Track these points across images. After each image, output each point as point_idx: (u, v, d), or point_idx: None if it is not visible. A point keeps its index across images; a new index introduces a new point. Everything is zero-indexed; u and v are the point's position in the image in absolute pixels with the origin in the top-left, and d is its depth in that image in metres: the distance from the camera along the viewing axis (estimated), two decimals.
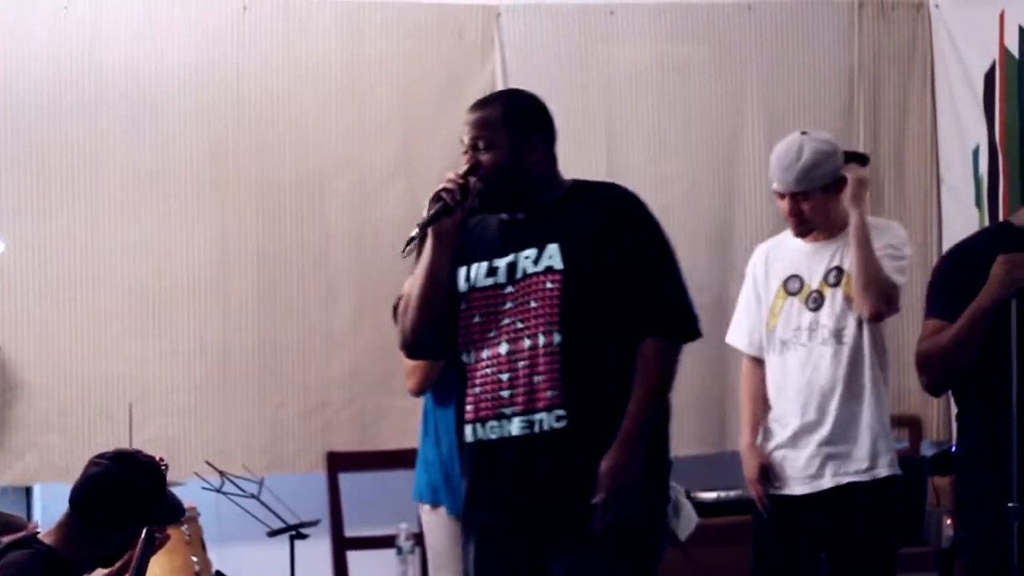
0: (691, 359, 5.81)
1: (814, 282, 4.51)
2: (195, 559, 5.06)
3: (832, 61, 6.21)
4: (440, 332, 3.58)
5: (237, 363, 5.80)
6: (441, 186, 3.54)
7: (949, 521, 5.22)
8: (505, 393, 3.47)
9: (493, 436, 3.49)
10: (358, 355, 5.88)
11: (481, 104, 3.65)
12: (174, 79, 5.76)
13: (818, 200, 4.46)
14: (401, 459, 5.89)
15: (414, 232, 3.51)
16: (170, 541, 4.00)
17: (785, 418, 4.51)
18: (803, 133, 4.52)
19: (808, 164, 4.43)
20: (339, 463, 5.91)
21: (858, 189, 4.44)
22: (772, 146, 6.12)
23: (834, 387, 4.44)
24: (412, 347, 3.67)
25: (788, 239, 4.60)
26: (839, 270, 4.48)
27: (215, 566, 5.25)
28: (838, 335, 4.45)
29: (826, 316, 4.46)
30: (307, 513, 5.31)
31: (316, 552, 5.59)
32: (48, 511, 5.48)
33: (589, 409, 3.46)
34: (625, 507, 3.41)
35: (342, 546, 5.94)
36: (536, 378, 3.45)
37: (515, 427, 3.46)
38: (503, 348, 3.49)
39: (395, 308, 3.75)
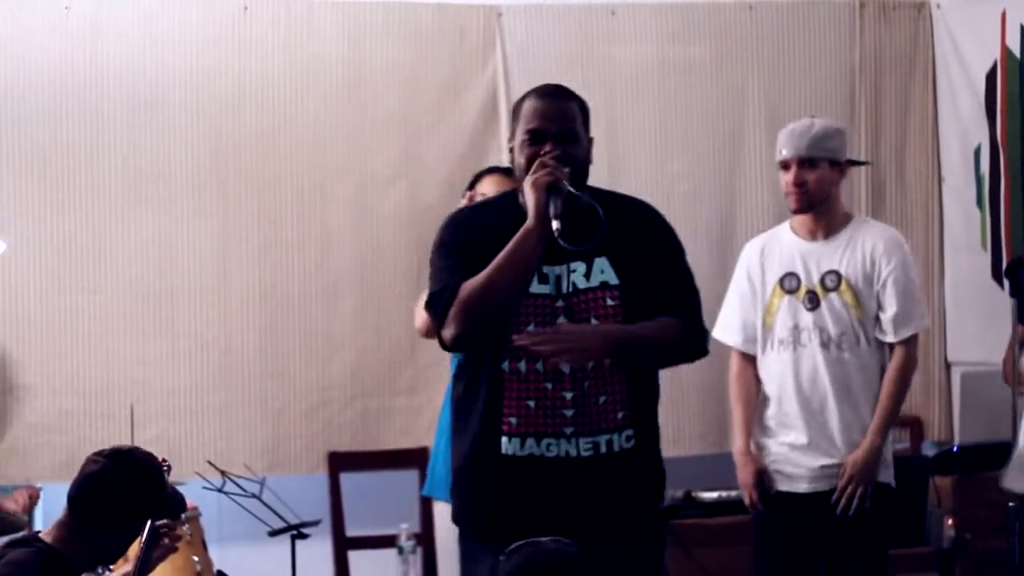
0: None
1: (810, 282, 4.49)
2: (196, 559, 5.06)
3: (833, 61, 6.20)
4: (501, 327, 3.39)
5: (238, 363, 5.81)
6: (547, 173, 3.32)
7: (950, 521, 5.22)
8: (568, 412, 3.36)
9: (550, 454, 3.37)
10: (359, 355, 5.88)
11: (558, 94, 3.49)
12: (175, 79, 5.76)
13: (824, 173, 4.47)
14: (402, 459, 5.90)
15: (557, 225, 3.28)
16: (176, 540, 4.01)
17: (787, 418, 4.50)
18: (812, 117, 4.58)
19: (820, 133, 4.47)
20: (340, 463, 5.91)
21: None
22: (774, 146, 6.15)
23: (836, 391, 4.44)
24: (469, 339, 3.39)
25: (783, 235, 4.58)
26: (837, 275, 4.47)
27: (216, 566, 5.25)
28: (839, 341, 4.44)
29: (825, 320, 4.45)
30: (308, 513, 5.31)
31: (317, 552, 5.58)
32: (49, 511, 5.49)
33: (650, 427, 3.46)
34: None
35: (343, 546, 5.94)
36: (602, 399, 3.37)
37: (579, 447, 3.36)
38: (565, 365, 3.35)
39: (438, 298, 3.40)
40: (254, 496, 5.17)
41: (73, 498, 3.21)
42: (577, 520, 3.36)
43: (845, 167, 4.56)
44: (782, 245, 4.56)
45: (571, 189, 3.34)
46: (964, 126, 6.07)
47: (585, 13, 6.08)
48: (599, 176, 5.93)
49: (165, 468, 3.79)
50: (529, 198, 3.35)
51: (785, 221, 4.65)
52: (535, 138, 3.42)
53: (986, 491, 5.20)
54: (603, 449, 3.38)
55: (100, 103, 5.70)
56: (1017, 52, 5.76)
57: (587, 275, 3.40)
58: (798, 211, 4.51)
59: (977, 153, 5.99)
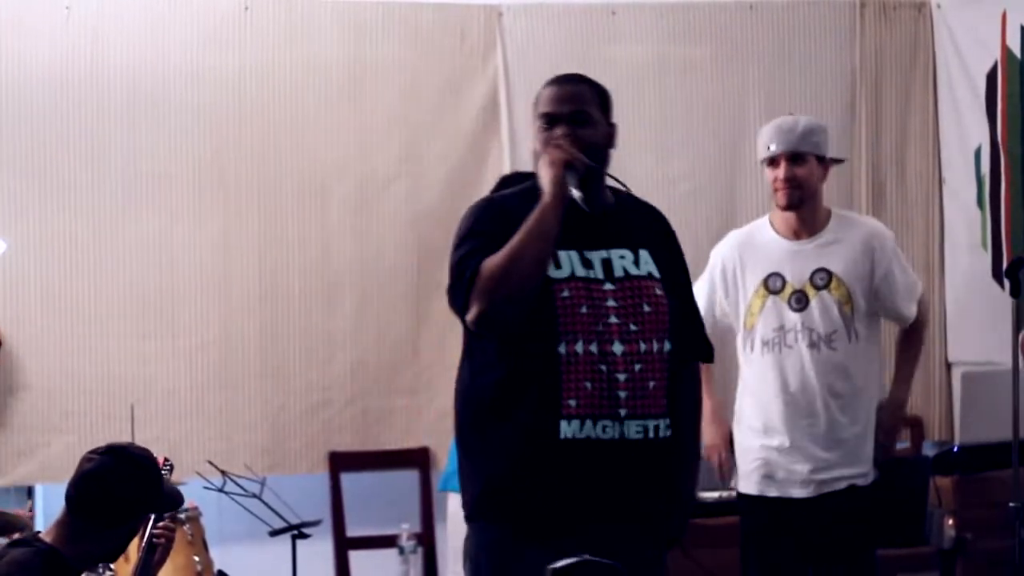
0: None
1: (797, 282, 4.48)
2: (197, 559, 5.07)
3: (834, 61, 6.21)
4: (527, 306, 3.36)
5: (239, 363, 5.81)
6: (561, 152, 3.35)
7: (951, 521, 5.22)
8: (622, 393, 3.33)
9: (605, 436, 3.34)
10: (360, 355, 5.88)
11: (569, 79, 3.53)
12: (175, 79, 5.77)
13: (813, 168, 4.49)
14: (403, 459, 5.91)
15: (579, 194, 3.31)
16: (171, 541, 4.01)
17: (772, 420, 4.48)
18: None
19: (807, 128, 4.49)
20: (341, 463, 5.91)
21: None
22: None
23: (824, 392, 4.43)
24: (492, 319, 3.31)
25: (764, 233, 4.57)
26: (827, 273, 4.47)
27: (217, 565, 5.26)
28: (828, 340, 4.44)
29: (814, 320, 4.44)
30: (309, 513, 5.32)
31: (318, 552, 5.59)
32: (49, 511, 5.49)
33: (674, 420, 3.48)
34: None
35: (344, 546, 5.95)
36: (651, 383, 3.37)
37: (631, 430, 3.35)
38: (617, 347, 3.35)
39: (460, 281, 3.33)
40: (255, 496, 5.18)
41: (71, 497, 3.21)
42: (627, 505, 3.38)
43: (828, 164, 4.57)
44: (764, 243, 4.55)
45: (588, 162, 3.36)
46: (964, 126, 6.07)
47: (585, 13, 6.08)
48: None
49: (168, 467, 3.80)
50: (545, 175, 3.37)
51: (763, 217, 4.65)
52: (548, 123, 3.45)
53: (987, 491, 5.21)
54: (651, 434, 3.38)
55: (101, 103, 5.71)
56: (1017, 52, 5.76)
57: (636, 263, 3.43)
58: (788, 207, 4.49)
59: (977, 153, 5.99)
